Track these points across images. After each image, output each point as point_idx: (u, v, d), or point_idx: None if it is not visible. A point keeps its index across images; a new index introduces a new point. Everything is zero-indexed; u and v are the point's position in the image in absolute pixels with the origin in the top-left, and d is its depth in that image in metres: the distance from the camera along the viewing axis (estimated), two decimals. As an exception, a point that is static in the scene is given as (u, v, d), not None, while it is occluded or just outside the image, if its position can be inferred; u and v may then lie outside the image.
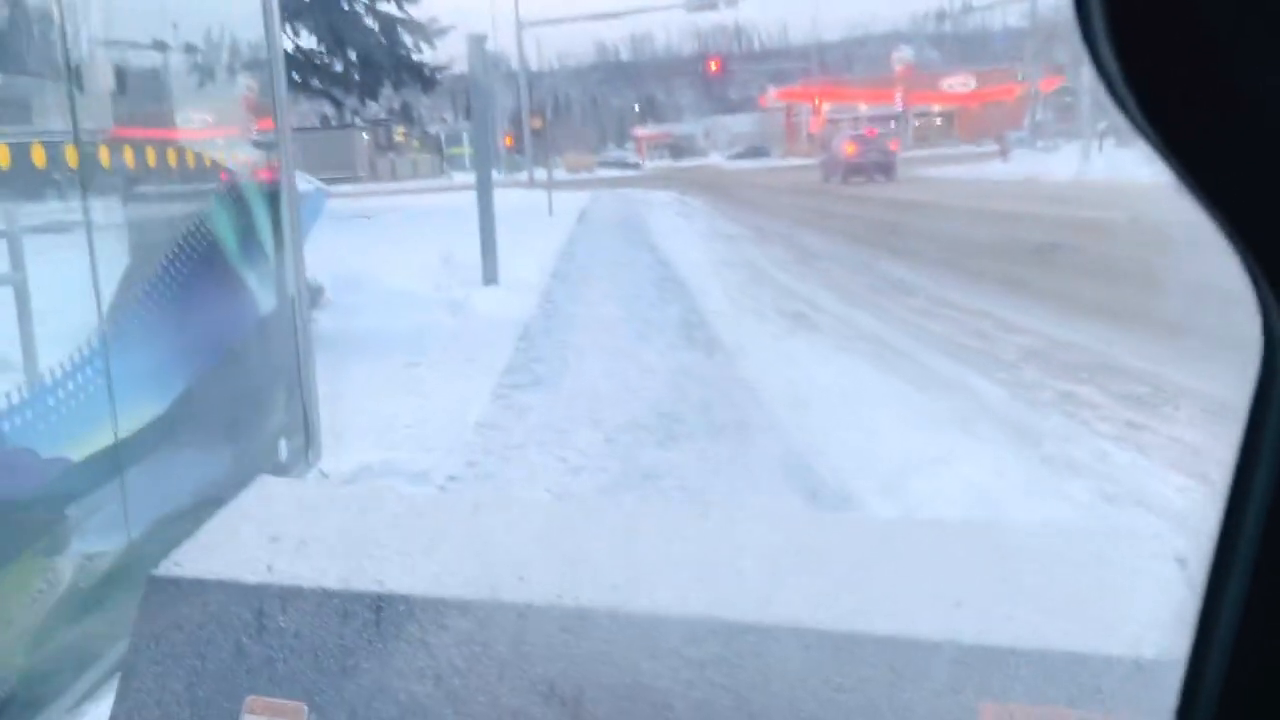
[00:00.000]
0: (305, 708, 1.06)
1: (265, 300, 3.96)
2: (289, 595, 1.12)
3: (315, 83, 28.66)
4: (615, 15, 52.38)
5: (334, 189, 41.92)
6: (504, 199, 28.37)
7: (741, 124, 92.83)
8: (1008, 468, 4.26)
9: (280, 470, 3.87)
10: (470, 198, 12.46)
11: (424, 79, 27.32)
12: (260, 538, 1.24)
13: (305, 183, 8.28)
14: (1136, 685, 0.93)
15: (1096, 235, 13.45)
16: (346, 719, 1.06)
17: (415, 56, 27.42)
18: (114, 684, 1.12)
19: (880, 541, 1.29)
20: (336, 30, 26.47)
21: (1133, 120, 0.41)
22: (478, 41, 10.47)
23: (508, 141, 63.20)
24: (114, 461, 2.74)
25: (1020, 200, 20.84)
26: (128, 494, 2.79)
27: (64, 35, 2.82)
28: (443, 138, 65.85)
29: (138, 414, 2.90)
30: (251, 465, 3.52)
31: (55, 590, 2.50)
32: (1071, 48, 0.42)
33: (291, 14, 26.65)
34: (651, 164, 72.76)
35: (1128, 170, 16.72)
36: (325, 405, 5.47)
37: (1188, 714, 0.52)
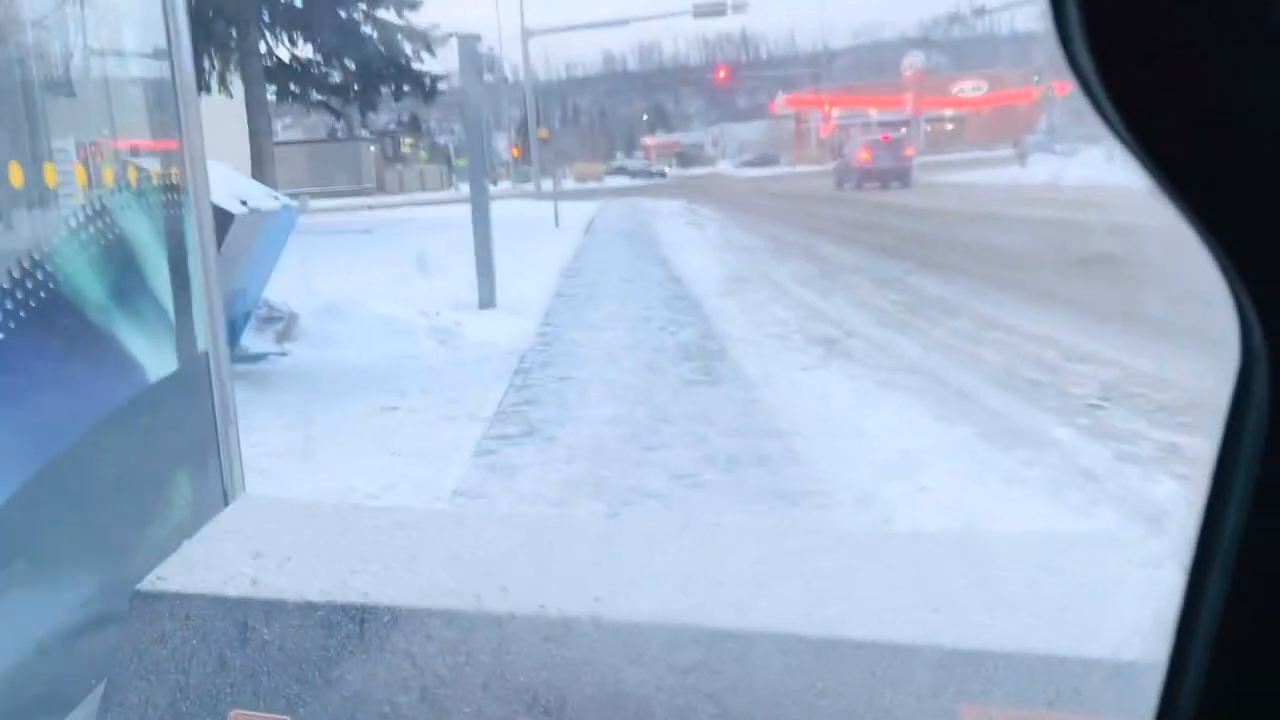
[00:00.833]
0: None
1: (155, 363, 3.00)
2: (273, 608, 1.13)
3: (313, 93, 27.85)
4: (622, 22, 51.48)
5: (339, 202, 41.30)
6: (510, 210, 27.63)
7: (750, 131, 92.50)
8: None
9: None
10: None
11: (424, 88, 26.41)
12: (244, 553, 1.29)
13: (272, 199, 7.35)
14: (1116, 688, 0.92)
15: (1145, 244, 12.43)
16: None
17: (416, 65, 26.57)
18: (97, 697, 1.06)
19: (860, 551, 1.27)
20: (333, 38, 25.62)
21: (1111, 127, 0.41)
22: (470, 42, 9.54)
23: (515, 152, 62.60)
24: None
25: (1049, 206, 19.79)
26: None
27: None
28: (451, 149, 65.07)
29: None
30: (117, 593, 2.56)
31: None
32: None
33: (285, 22, 25.85)
34: (645, 172, 71.85)
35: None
36: (270, 467, 4.51)
37: (1168, 716, 0.52)
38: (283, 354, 7.81)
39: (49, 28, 2.68)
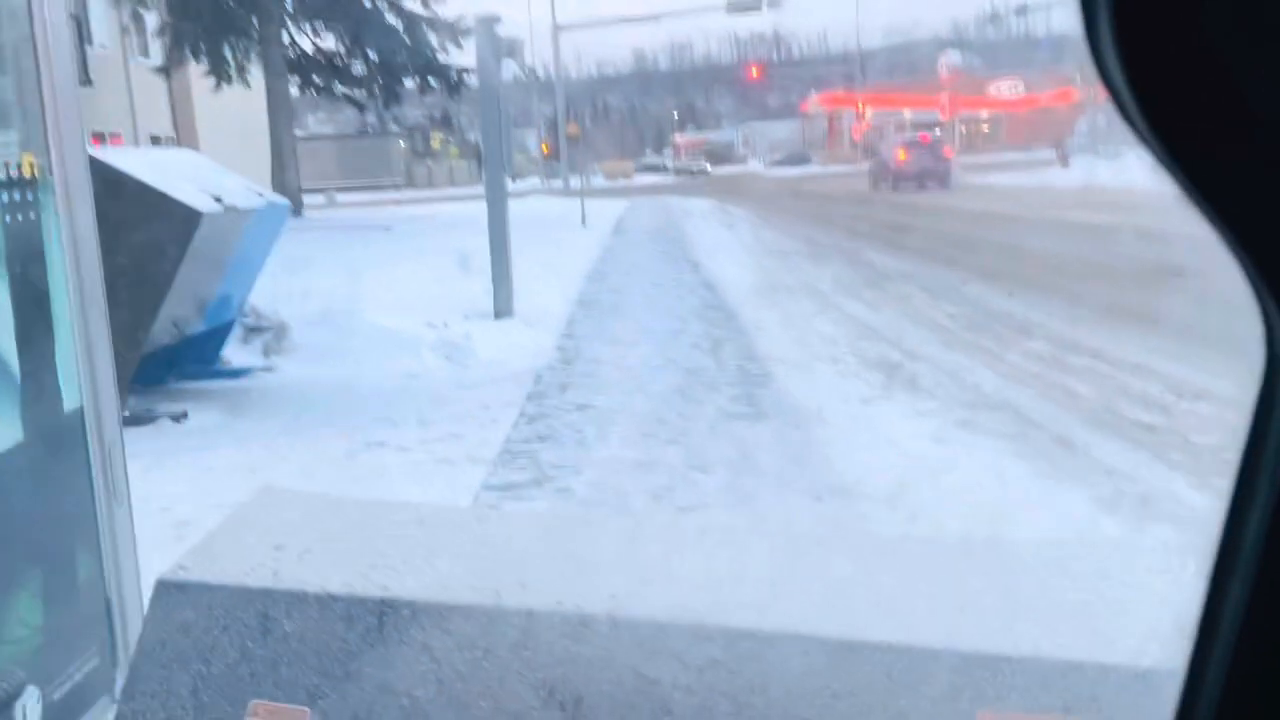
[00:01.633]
0: (309, 712, 1.04)
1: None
2: (294, 600, 1.10)
3: (337, 85, 27.07)
4: (654, 18, 50.49)
5: (366, 196, 40.76)
6: (538, 208, 26.76)
7: (780, 130, 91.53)
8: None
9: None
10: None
11: (450, 81, 25.54)
12: (265, 545, 1.21)
13: (255, 195, 6.46)
14: (1132, 694, 0.91)
15: (1217, 256, 11.31)
16: None
17: (441, 57, 25.71)
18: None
19: (879, 554, 1.27)
20: (356, 29, 24.82)
21: (1138, 132, 0.42)
22: (488, 24, 8.63)
23: (544, 148, 61.88)
24: None
25: (1103, 210, 18.60)
26: None
27: None
28: (482, 145, 64.19)
29: None
30: None
31: None
32: None
33: (308, 11, 25.08)
34: (688, 170, 70.93)
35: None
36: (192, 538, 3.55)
37: None
38: (268, 369, 6.93)
39: None
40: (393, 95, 26.36)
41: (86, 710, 2.32)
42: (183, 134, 29.95)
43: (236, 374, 6.89)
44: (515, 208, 25.30)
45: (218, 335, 6.84)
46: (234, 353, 7.17)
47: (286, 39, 25.41)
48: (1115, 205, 19.78)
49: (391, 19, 25.10)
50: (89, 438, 2.38)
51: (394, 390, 6.36)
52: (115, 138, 26.66)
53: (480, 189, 10.39)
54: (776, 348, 7.74)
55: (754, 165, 75.50)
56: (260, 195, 6.49)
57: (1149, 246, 12.81)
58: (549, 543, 1.30)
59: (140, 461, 5.12)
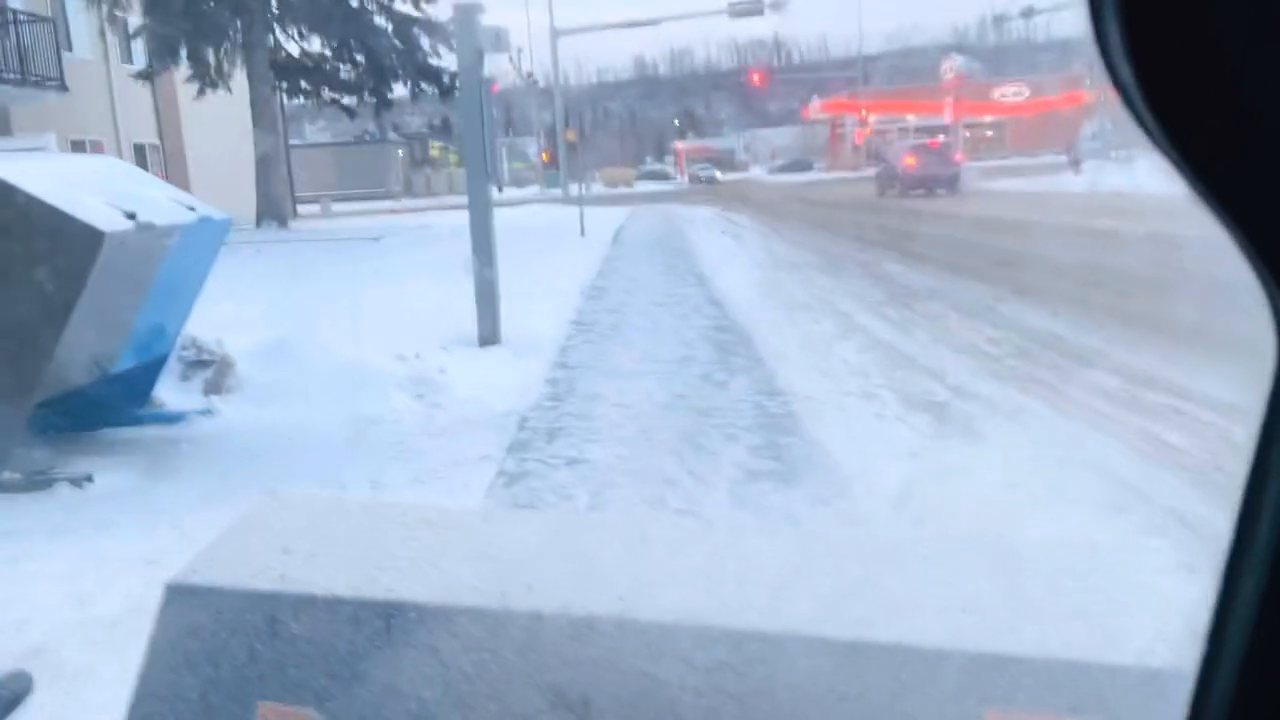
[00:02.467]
0: (315, 714, 1.06)
1: None
2: (301, 603, 1.10)
3: (325, 90, 26.09)
4: (655, 22, 49.53)
5: (362, 205, 39.82)
6: (535, 217, 25.73)
7: (782, 137, 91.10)
8: None
9: None
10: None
11: (442, 85, 24.50)
12: (273, 548, 1.22)
13: (185, 210, 5.45)
14: (1143, 696, 0.92)
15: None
16: None
17: (434, 61, 24.73)
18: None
19: (886, 553, 1.27)
20: (343, 32, 23.83)
21: (1150, 135, 0.42)
22: (467, 11, 7.61)
23: (544, 156, 61.06)
24: None
25: (1131, 217, 17.59)
26: None
27: None
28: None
29: None
30: None
31: None
32: None
33: (294, 14, 24.11)
34: (691, 178, 70.14)
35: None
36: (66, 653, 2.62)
37: None
38: (206, 413, 5.91)
39: None
40: (383, 100, 25.34)
41: None
42: (168, 142, 28.98)
43: (169, 419, 5.88)
44: (512, 216, 24.35)
45: (147, 373, 5.83)
46: (170, 392, 6.16)
47: (272, 42, 24.43)
48: (1142, 212, 18.74)
49: (381, 21, 24.13)
50: None
51: (349, 440, 5.34)
52: (97, 145, 25.72)
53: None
54: (799, 380, 6.71)
55: (756, 172, 74.83)
56: (191, 209, 5.47)
57: (1193, 257, 11.77)
58: (556, 545, 1.28)
59: (11, 546, 4.11)
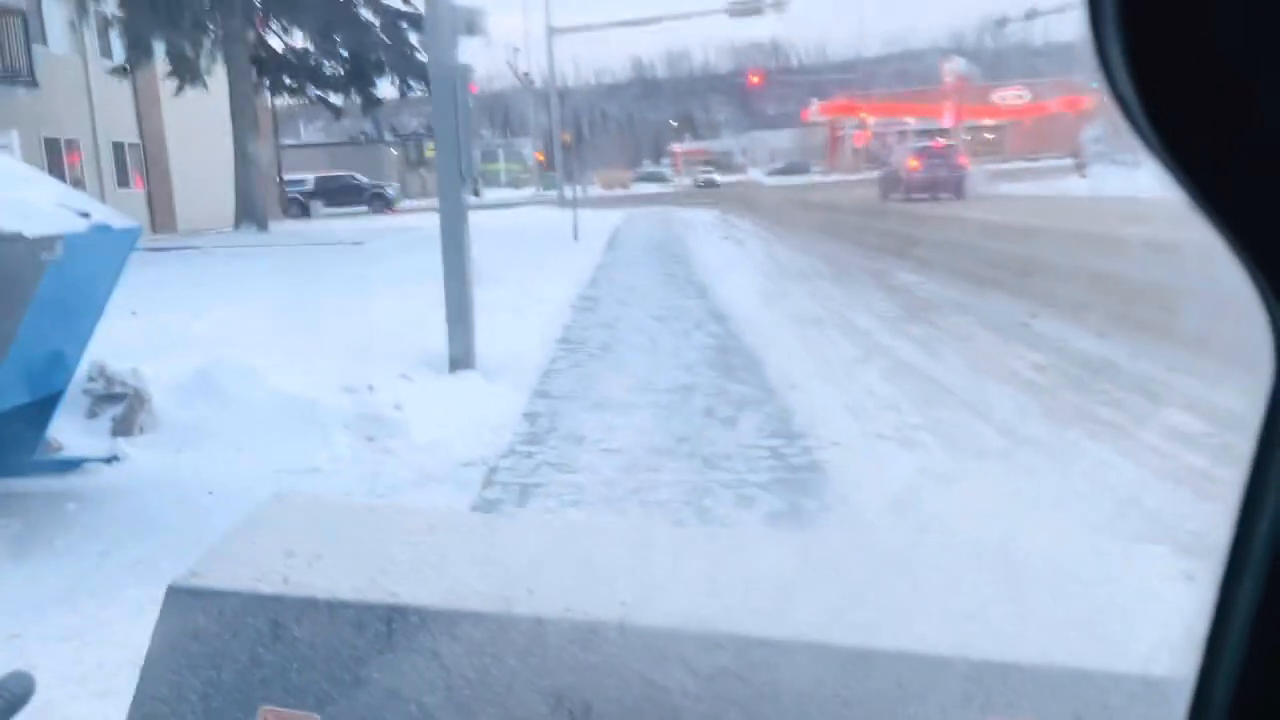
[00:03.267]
0: (317, 717, 1.04)
1: None
2: (304, 607, 1.09)
3: (309, 87, 25.08)
4: (654, 20, 48.57)
5: (356, 206, 38.64)
6: (528, 220, 24.71)
7: (780, 139, 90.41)
8: None
9: None
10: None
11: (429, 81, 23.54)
12: (276, 551, 1.20)
13: (76, 217, 4.45)
14: (1144, 703, 0.91)
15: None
16: None
17: (421, 56, 23.72)
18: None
19: (890, 559, 1.25)
20: (326, 26, 22.82)
21: (1146, 141, 0.42)
22: (439, -12, 6.64)
23: (539, 157, 60.19)
24: None
25: (1153, 224, 16.61)
26: None
27: None
28: (479, 154, 62.39)
29: None
30: None
31: None
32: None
33: (275, 6, 23.11)
34: (687, 180, 69.28)
35: None
36: None
37: None
38: (111, 459, 4.92)
39: None
40: (370, 98, 24.34)
41: None
42: (149, 141, 27.97)
43: (63, 466, 4.88)
44: (504, 219, 23.25)
45: (37, 411, 4.83)
46: (72, 434, 5.16)
47: (253, 37, 23.42)
48: (1161, 217, 17.77)
49: (367, 15, 23.13)
50: None
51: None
52: (73, 143, 24.70)
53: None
54: (820, 416, 5.72)
55: (754, 174, 74.02)
56: (84, 215, 4.47)
57: (1233, 267, 10.78)
58: (558, 549, 1.25)
59: None
